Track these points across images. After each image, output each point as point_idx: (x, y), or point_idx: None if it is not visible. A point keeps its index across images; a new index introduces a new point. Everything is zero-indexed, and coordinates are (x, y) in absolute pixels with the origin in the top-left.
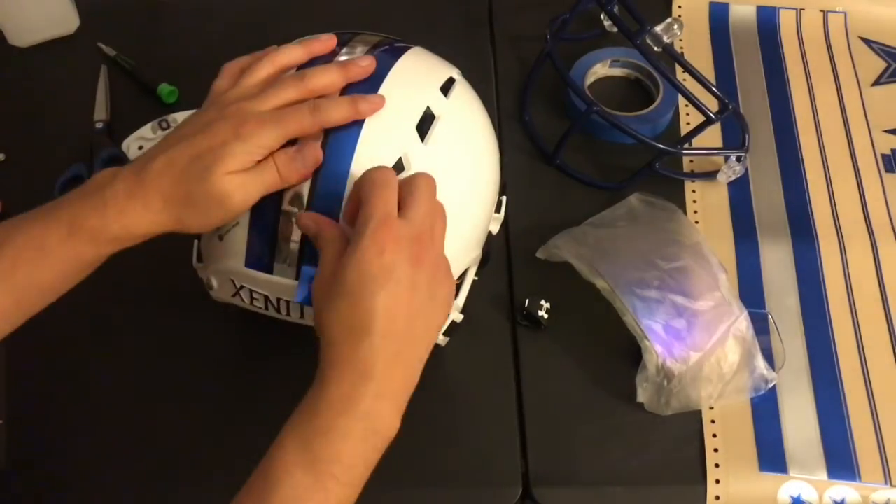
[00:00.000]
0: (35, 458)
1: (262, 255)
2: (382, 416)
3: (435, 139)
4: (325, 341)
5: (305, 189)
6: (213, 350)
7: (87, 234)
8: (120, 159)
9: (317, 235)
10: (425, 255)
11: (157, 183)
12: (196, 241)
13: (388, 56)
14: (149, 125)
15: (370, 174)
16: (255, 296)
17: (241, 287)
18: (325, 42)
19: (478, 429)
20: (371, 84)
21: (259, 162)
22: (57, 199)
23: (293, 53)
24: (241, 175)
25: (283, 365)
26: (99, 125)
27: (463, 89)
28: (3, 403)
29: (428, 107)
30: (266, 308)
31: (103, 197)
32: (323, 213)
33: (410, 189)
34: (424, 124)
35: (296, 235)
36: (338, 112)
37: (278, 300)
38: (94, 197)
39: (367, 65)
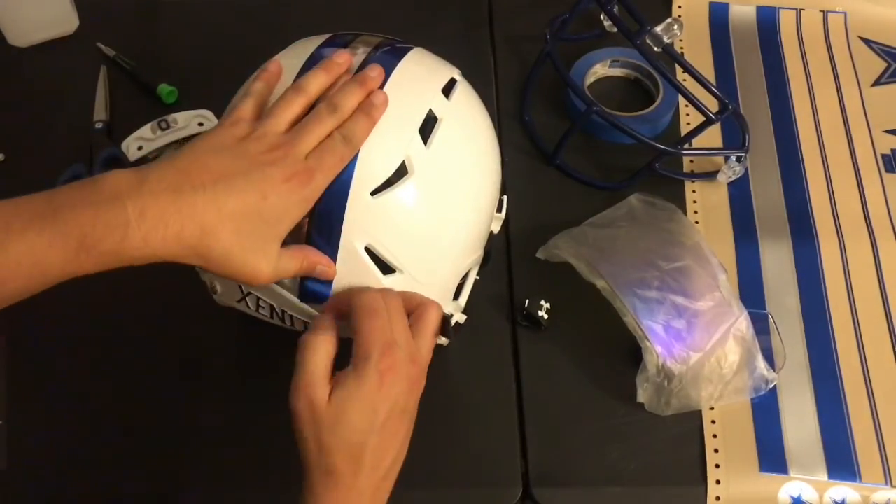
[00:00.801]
0: (35, 458)
1: None
2: None
3: (438, 141)
4: (314, 471)
5: None
6: (214, 353)
7: (98, 256)
8: (119, 159)
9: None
10: (419, 374)
11: (200, 219)
12: None
13: (389, 57)
14: (148, 125)
15: (360, 301)
16: (261, 303)
17: (248, 293)
18: (344, 64)
19: (478, 429)
20: None
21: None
22: (59, 198)
23: (320, 81)
24: (276, 258)
25: (285, 369)
26: (99, 125)
27: (464, 90)
28: (3, 403)
29: (430, 109)
30: (271, 317)
31: (125, 214)
32: (325, 216)
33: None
34: (427, 127)
35: (301, 237)
36: (361, 131)
37: (283, 311)
38: (112, 213)
39: (376, 75)
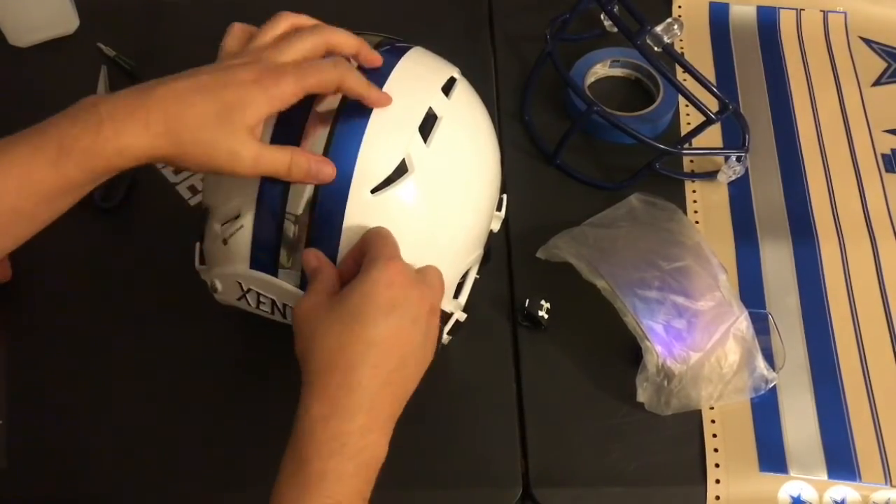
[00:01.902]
0: (35, 458)
1: (267, 257)
2: (372, 449)
3: (438, 140)
4: (311, 369)
5: (310, 190)
6: (214, 351)
7: (78, 155)
8: None
9: (315, 270)
10: (428, 296)
11: (162, 105)
12: (198, 243)
13: (389, 56)
14: None
15: (373, 230)
16: (262, 299)
17: (248, 290)
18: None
19: (478, 429)
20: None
21: (278, 146)
22: (43, 122)
23: (313, 21)
24: (257, 145)
25: (285, 367)
26: None
27: (463, 88)
28: (3, 403)
29: (430, 107)
30: (272, 312)
31: (98, 114)
32: (325, 215)
33: None
34: (427, 125)
35: (301, 236)
36: (356, 81)
37: (284, 305)
38: (87, 115)
39: (375, 57)
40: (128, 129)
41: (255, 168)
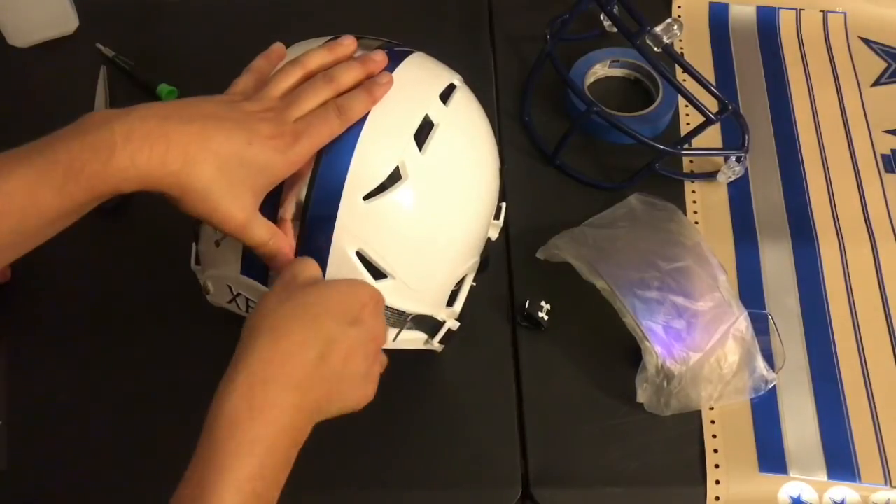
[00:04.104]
0: (35, 458)
1: (258, 263)
2: (302, 429)
3: (433, 148)
4: (249, 345)
5: (302, 196)
6: (214, 352)
7: (85, 180)
8: None
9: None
10: (382, 337)
11: (184, 142)
12: (194, 244)
13: (388, 61)
14: None
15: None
16: (251, 304)
17: (238, 294)
18: (348, 46)
19: (478, 429)
20: None
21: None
22: (48, 137)
23: (322, 57)
24: (250, 213)
25: None
26: None
27: (463, 96)
28: (3, 403)
29: (427, 115)
30: None
31: (111, 134)
32: (317, 220)
33: None
34: (423, 132)
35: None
36: (359, 106)
37: None
38: (99, 134)
39: (380, 59)
40: (143, 158)
41: (238, 234)
